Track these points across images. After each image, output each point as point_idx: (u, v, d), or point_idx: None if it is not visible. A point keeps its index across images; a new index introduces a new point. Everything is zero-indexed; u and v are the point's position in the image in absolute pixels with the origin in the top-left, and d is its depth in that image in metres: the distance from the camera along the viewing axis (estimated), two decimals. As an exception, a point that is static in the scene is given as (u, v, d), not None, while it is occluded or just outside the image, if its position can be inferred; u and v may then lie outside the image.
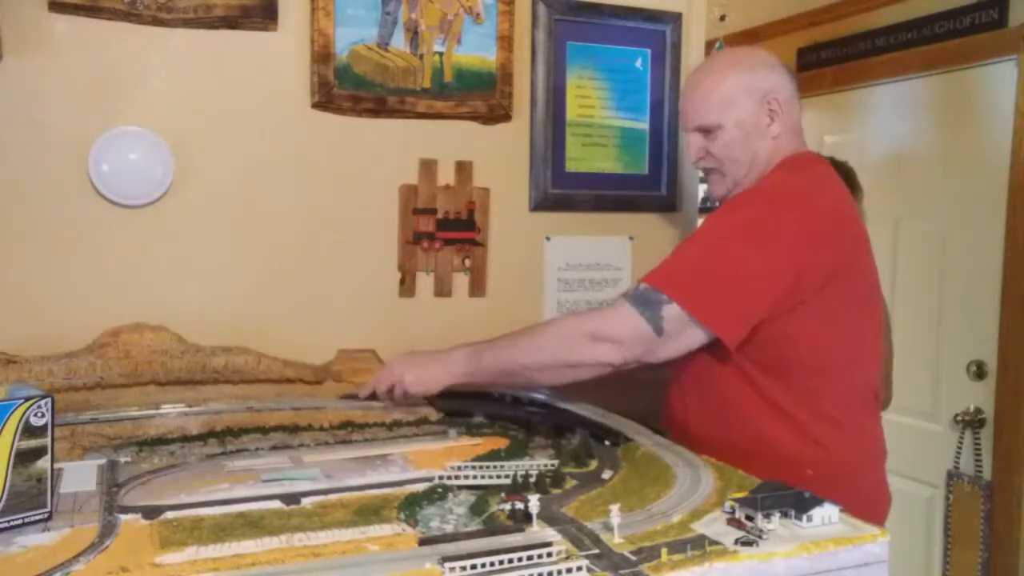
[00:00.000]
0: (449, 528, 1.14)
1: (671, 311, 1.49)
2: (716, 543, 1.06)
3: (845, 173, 2.12)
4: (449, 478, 1.32)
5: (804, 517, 1.13)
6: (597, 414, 1.76)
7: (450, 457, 1.43)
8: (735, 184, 1.67)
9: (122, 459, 1.46)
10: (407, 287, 1.97)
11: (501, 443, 1.56)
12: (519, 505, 1.15)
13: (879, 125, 3.23)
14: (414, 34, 1.91)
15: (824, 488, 1.40)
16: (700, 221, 2.30)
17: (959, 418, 2.84)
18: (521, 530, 1.10)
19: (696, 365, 1.61)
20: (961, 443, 2.84)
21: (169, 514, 1.18)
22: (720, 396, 1.61)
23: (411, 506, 1.20)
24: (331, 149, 1.89)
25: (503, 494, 1.22)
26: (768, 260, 1.49)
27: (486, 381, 1.59)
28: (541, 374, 1.58)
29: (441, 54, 1.94)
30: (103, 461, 1.44)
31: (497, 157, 2.03)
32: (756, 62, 1.68)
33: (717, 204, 1.73)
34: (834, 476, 1.53)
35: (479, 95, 1.98)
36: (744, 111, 1.62)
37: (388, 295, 1.96)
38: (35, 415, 1.14)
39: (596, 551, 1.04)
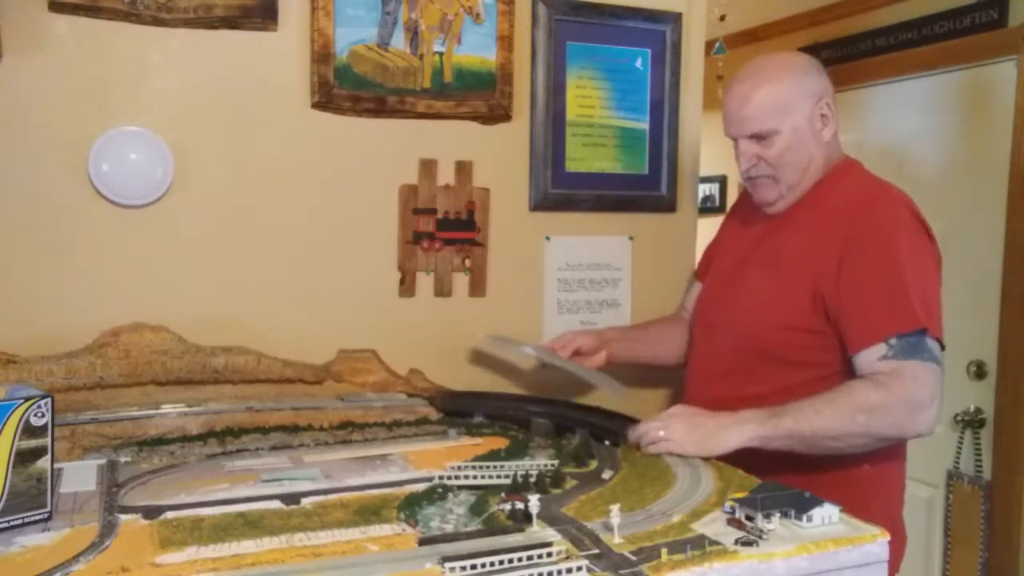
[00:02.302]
0: (449, 528, 1.14)
1: (929, 342, 1.48)
2: (716, 543, 1.06)
3: None
4: (449, 478, 1.32)
5: (804, 517, 1.13)
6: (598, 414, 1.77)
7: (450, 457, 1.43)
8: (789, 189, 1.63)
9: (122, 459, 1.46)
10: (407, 287, 1.97)
11: (501, 443, 1.56)
12: (519, 505, 1.15)
13: (879, 125, 3.22)
14: (414, 34, 1.91)
15: (871, 489, 1.51)
16: (700, 222, 2.30)
17: (959, 418, 2.84)
18: (521, 530, 1.10)
19: (777, 381, 1.57)
20: (961, 443, 2.84)
21: (169, 514, 1.18)
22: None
23: (411, 506, 1.20)
24: (331, 149, 1.89)
25: (503, 494, 1.22)
26: (935, 276, 1.58)
27: (779, 446, 1.45)
28: (845, 442, 1.47)
29: (441, 54, 1.94)
30: (103, 461, 1.44)
31: (497, 157, 2.03)
32: (806, 66, 1.64)
33: (767, 210, 1.68)
34: (884, 485, 1.61)
35: (479, 95, 1.98)
36: (801, 116, 1.59)
37: (388, 295, 1.96)
38: (35, 415, 1.14)
39: (596, 551, 1.04)
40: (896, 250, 1.52)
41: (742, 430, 1.43)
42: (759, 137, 1.61)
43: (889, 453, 1.59)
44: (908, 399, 1.44)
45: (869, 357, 1.47)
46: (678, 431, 1.44)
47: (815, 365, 1.56)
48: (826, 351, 1.55)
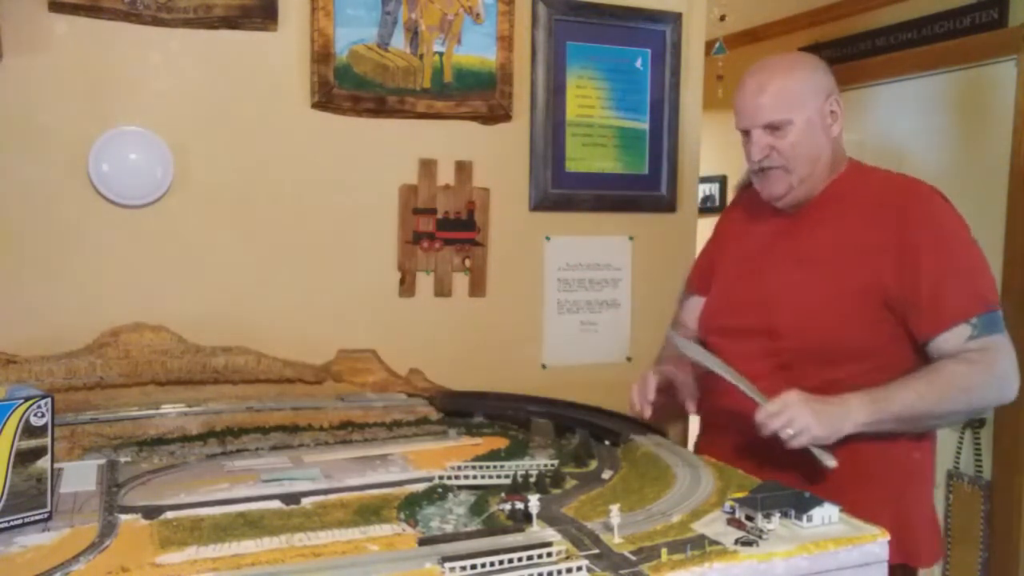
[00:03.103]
0: (449, 528, 1.14)
1: (1000, 316, 1.56)
2: (716, 543, 1.06)
3: None
4: (449, 478, 1.32)
5: (804, 517, 1.13)
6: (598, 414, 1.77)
7: (450, 457, 1.43)
8: (800, 181, 1.64)
9: (122, 459, 1.46)
10: (407, 287, 1.97)
11: (501, 443, 1.56)
12: (519, 505, 1.15)
13: (879, 125, 3.23)
14: (414, 34, 1.91)
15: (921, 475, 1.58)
16: (700, 221, 2.30)
17: (959, 418, 2.84)
18: (521, 530, 1.10)
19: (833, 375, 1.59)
20: (961, 443, 2.84)
21: (169, 514, 1.18)
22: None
23: (411, 506, 1.20)
24: (331, 149, 1.89)
25: (503, 494, 1.22)
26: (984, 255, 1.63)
27: (883, 428, 1.51)
28: (945, 420, 1.62)
29: (441, 54, 1.94)
30: (103, 461, 1.44)
31: (497, 157, 2.03)
32: (817, 64, 1.69)
33: (776, 204, 1.69)
34: (927, 472, 1.66)
35: (479, 95, 1.98)
36: (813, 109, 1.62)
37: (388, 295, 1.96)
38: (35, 415, 1.14)
39: (596, 551, 1.04)
40: (957, 234, 1.59)
41: (854, 419, 1.47)
42: (773, 127, 1.63)
43: (930, 441, 1.66)
44: (1002, 374, 1.54)
45: (956, 339, 1.53)
46: (806, 418, 1.44)
47: (864, 359, 1.58)
48: (876, 343, 1.58)
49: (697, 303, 1.87)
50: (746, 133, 1.67)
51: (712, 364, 1.57)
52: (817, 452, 1.44)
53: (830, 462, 1.44)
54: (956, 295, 1.54)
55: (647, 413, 1.61)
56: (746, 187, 1.90)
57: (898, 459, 1.58)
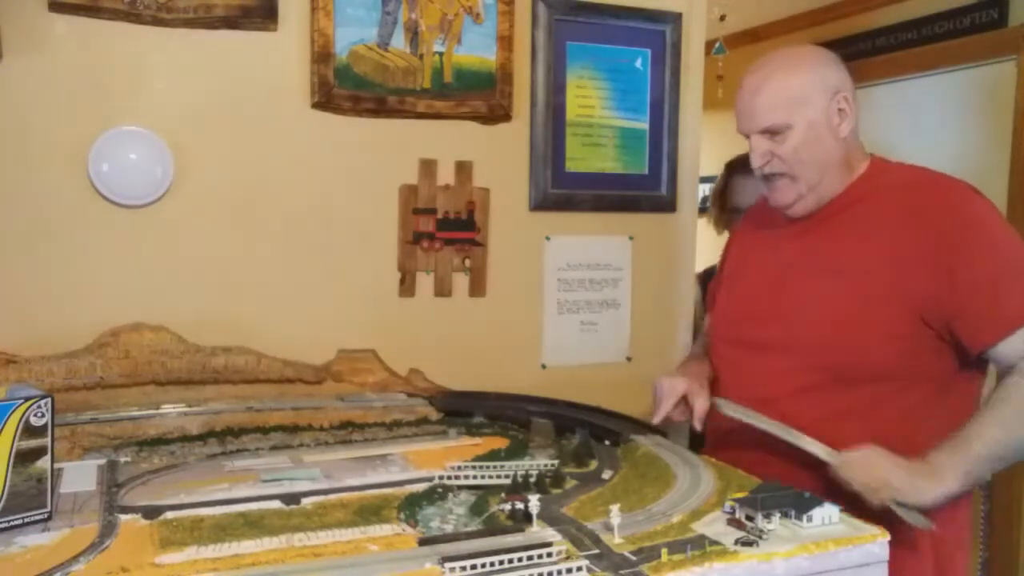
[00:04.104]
0: (449, 528, 1.14)
1: None
2: (716, 543, 1.06)
3: None
4: (449, 478, 1.32)
5: (804, 517, 1.13)
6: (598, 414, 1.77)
7: (450, 457, 1.43)
8: (809, 189, 1.53)
9: (122, 459, 1.46)
10: (407, 287, 1.97)
11: (501, 443, 1.56)
12: (519, 505, 1.15)
13: (879, 125, 3.22)
14: (414, 34, 1.91)
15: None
16: (700, 222, 2.30)
17: (959, 418, 2.84)
18: (521, 530, 1.10)
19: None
20: (961, 443, 2.84)
21: (169, 514, 1.18)
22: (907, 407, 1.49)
23: (411, 506, 1.20)
24: (331, 149, 1.89)
25: (503, 494, 1.22)
26: None
27: (981, 477, 1.40)
28: None
29: (441, 54, 1.94)
30: (103, 461, 1.44)
31: (497, 157, 2.03)
32: (824, 58, 1.56)
33: (787, 213, 1.58)
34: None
35: (479, 95, 1.98)
36: (816, 109, 1.50)
37: (388, 295, 1.96)
38: (35, 415, 1.14)
39: (596, 551, 1.04)
40: (1004, 232, 1.48)
41: (946, 486, 1.33)
42: (771, 132, 1.51)
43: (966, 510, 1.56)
44: None
45: (1014, 345, 1.41)
46: (886, 471, 1.32)
47: (893, 378, 1.47)
48: (908, 360, 1.47)
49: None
50: (747, 137, 1.57)
51: (767, 426, 1.45)
52: (903, 512, 1.30)
53: (922, 523, 1.30)
54: (1014, 297, 1.41)
55: (657, 419, 1.56)
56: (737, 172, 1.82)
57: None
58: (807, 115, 1.50)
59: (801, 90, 1.50)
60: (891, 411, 1.46)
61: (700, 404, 1.56)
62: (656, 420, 1.55)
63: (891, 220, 1.50)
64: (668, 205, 2.21)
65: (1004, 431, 1.37)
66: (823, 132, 1.51)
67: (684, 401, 1.58)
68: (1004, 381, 1.42)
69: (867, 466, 1.33)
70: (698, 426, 1.56)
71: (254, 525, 1.14)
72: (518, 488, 1.26)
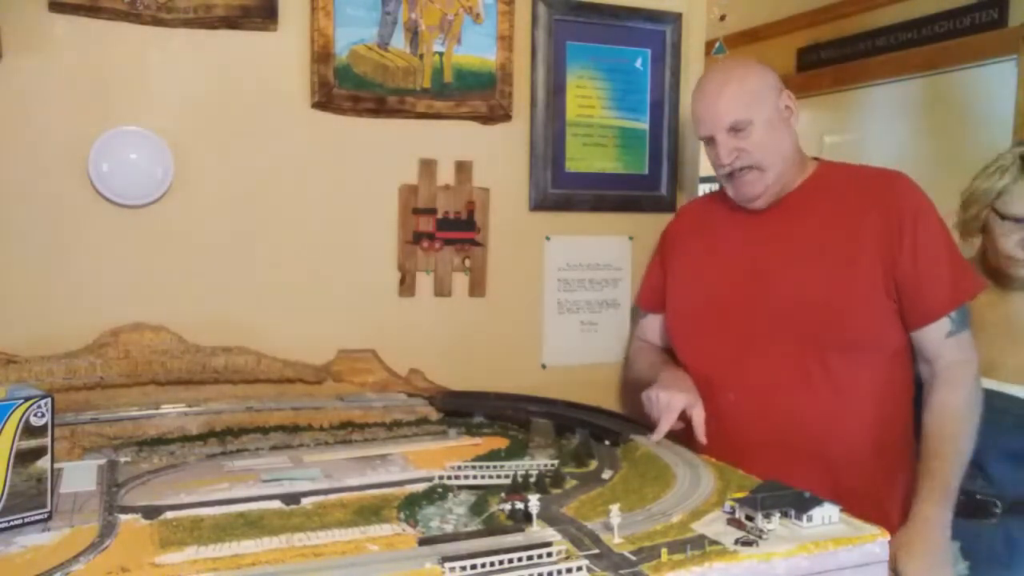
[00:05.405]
0: (449, 528, 1.14)
1: (968, 307, 1.63)
2: (716, 543, 1.06)
3: None
4: (449, 478, 1.32)
5: (804, 517, 1.13)
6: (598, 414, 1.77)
7: (450, 457, 1.44)
8: (775, 179, 1.67)
9: (122, 459, 1.46)
10: (407, 287, 1.97)
11: (501, 443, 1.56)
12: (519, 505, 1.15)
13: (879, 125, 3.23)
14: (414, 34, 1.91)
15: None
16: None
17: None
18: (521, 530, 1.10)
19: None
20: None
21: (169, 514, 1.18)
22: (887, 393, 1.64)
23: (411, 506, 1.20)
24: (331, 149, 1.89)
25: (503, 494, 1.22)
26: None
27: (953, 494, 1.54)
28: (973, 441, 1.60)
29: (441, 54, 1.94)
30: (103, 461, 1.44)
31: (497, 157, 2.03)
32: (762, 64, 1.72)
33: (750, 205, 1.70)
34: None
35: (479, 95, 1.98)
36: (770, 106, 1.66)
37: (388, 295, 1.96)
38: (35, 415, 1.14)
39: (596, 551, 1.04)
40: (941, 222, 1.63)
41: (948, 554, 1.49)
42: (736, 129, 1.65)
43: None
44: (977, 374, 1.61)
45: (936, 333, 1.58)
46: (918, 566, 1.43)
47: (882, 346, 1.61)
48: (890, 328, 1.61)
49: (654, 320, 1.93)
50: (710, 140, 1.70)
51: None
52: None
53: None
54: (942, 285, 1.58)
55: (657, 438, 1.58)
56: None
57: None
58: (764, 111, 1.66)
59: (757, 88, 1.67)
60: (866, 377, 1.60)
61: (698, 415, 1.63)
62: (656, 439, 1.58)
63: (848, 206, 1.64)
64: (668, 205, 2.21)
65: (963, 460, 1.54)
66: (778, 124, 1.67)
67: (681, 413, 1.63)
68: (933, 409, 1.58)
69: None
70: (702, 439, 1.60)
71: (254, 525, 1.14)
72: (518, 488, 1.26)
